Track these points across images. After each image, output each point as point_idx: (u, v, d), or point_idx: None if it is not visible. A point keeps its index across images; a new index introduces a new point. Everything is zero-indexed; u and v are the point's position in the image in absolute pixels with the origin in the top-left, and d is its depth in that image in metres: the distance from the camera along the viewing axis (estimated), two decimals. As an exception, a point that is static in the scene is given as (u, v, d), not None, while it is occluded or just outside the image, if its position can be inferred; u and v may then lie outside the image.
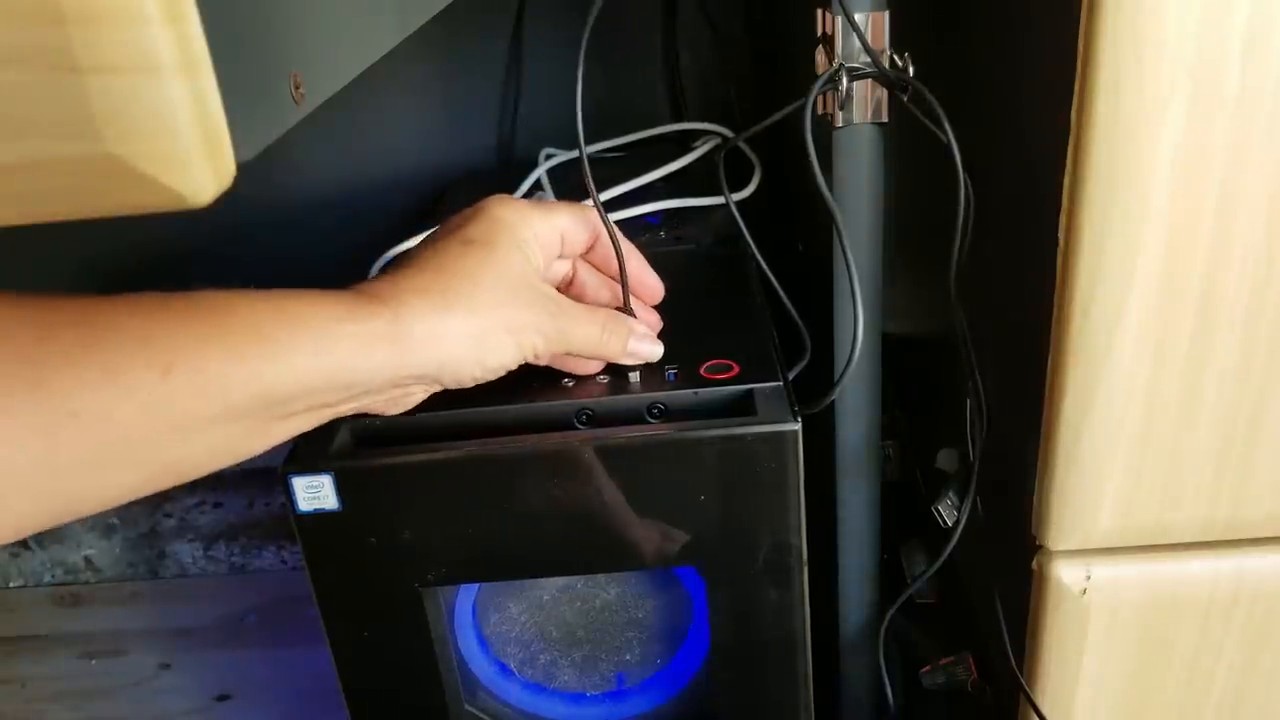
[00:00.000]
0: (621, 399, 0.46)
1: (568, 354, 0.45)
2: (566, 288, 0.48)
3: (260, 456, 0.38)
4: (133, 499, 0.34)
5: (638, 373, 0.47)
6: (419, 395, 0.43)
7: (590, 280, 0.48)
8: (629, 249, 0.47)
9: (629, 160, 0.75)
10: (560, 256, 0.46)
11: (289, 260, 0.92)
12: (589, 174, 0.46)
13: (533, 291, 0.42)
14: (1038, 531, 0.44)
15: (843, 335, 0.52)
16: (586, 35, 0.43)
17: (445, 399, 0.44)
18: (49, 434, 0.30)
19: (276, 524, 1.07)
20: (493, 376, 0.42)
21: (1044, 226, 0.40)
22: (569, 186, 0.70)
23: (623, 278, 0.47)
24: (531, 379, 0.47)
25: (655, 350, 0.47)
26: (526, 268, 0.42)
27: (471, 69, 0.87)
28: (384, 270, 0.42)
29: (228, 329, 0.34)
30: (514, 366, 0.42)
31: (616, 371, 0.47)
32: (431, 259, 0.41)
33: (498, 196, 0.44)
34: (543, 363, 0.45)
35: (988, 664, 0.54)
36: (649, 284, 0.49)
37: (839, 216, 0.48)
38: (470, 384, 0.42)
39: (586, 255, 0.48)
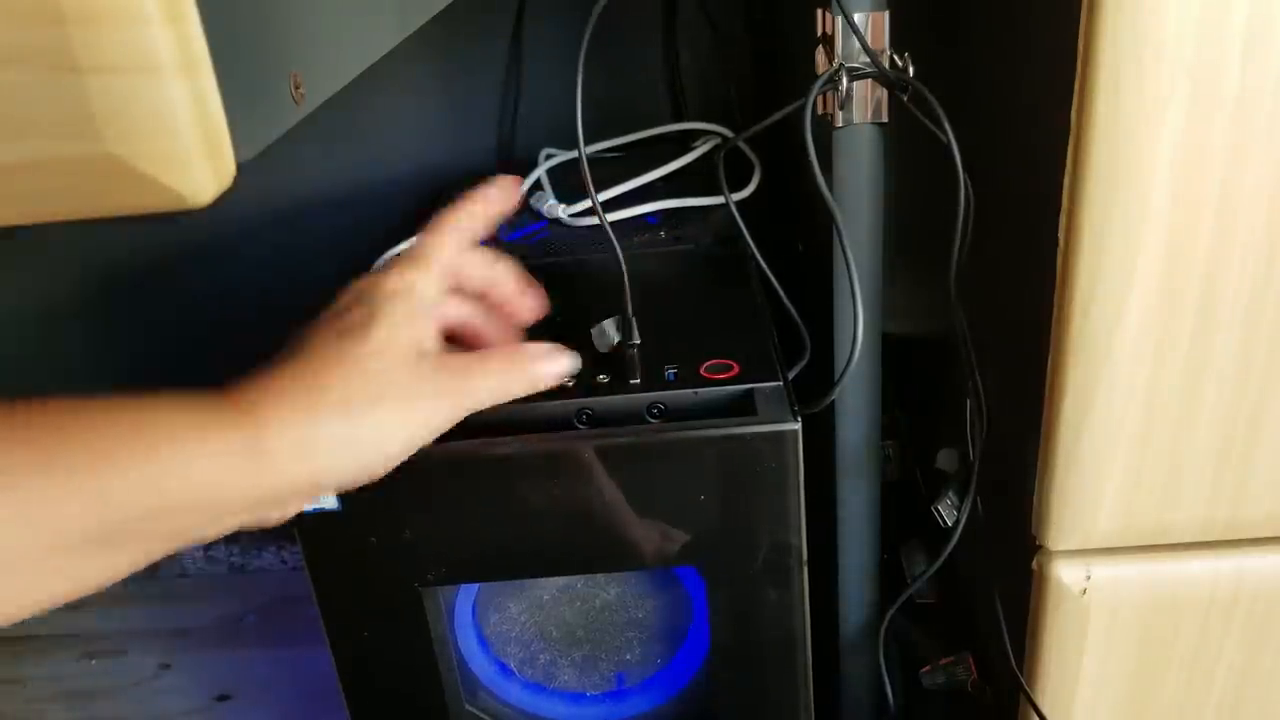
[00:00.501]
0: (621, 399, 0.46)
1: (480, 409, 0.41)
2: (461, 333, 0.44)
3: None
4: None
5: (638, 373, 0.47)
6: (301, 505, 0.40)
7: (478, 320, 0.44)
8: (501, 265, 0.45)
9: (629, 160, 0.75)
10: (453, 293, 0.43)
11: (289, 260, 0.92)
12: (589, 176, 0.46)
13: (418, 370, 0.38)
14: (1038, 531, 0.44)
15: (843, 335, 0.52)
16: (586, 40, 0.43)
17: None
18: None
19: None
20: (390, 467, 0.38)
21: (1044, 226, 0.40)
22: (569, 186, 0.70)
23: (626, 299, 0.45)
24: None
25: (566, 361, 0.44)
26: (410, 343, 0.39)
27: (471, 69, 0.87)
28: (262, 364, 0.38)
29: (66, 447, 0.31)
30: (415, 450, 0.39)
31: (616, 372, 0.47)
32: (302, 355, 0.37)
33: (383, 271, 0.41)
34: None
35: (988, 664, 0.54)
36: (524, 303, 0.46)
37: (839, 216, 0.48)
38: (365, 482, 0.38)
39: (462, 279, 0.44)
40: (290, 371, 0.37)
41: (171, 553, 0.34)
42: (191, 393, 0.35)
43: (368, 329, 0.38)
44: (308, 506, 0.44)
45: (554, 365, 0.43)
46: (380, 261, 0.63)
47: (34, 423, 0.31)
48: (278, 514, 0.39)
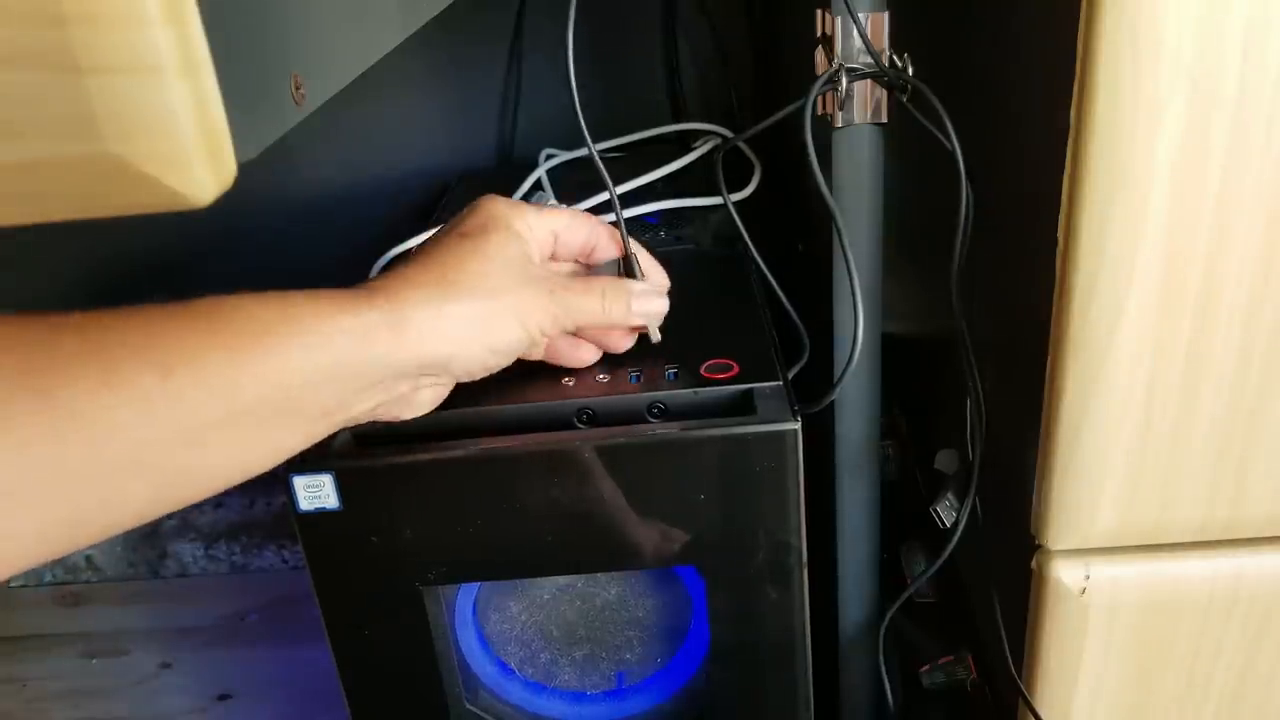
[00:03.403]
0: (621, 398, 0.46)
1: (576, 331, 0.46)
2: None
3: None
4: (148, 515, 0.34)
5: (638, 373, 0.47)
6: (431, 394, 0.43)
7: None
8: (635, 245, 0.48)
9: (629, 160, 0.75)
10: (555, 258, 0.47)
11: (289, 260, 0.92)
12: (600, 163, 0.46)
13: (529, 272, 0.43)
14: (1037, 531, 0.45)
15: (843, 335, 0.52)
16: (571, 20, 0.44)
17: (446, 397, 0.44)
18: (55, 439, 0.31)
19: (277, 524, 1.07)
20: (503, 362, 0.43)
21: (1044, 226, 0.40)
22: (569, 186, 0.70)
23: (624, 244, 0.48)
24: (531, 379, 0.47)
25: (661, 304, 0.47)
26: (521, 252, 0.43)
27: (471, 69, 0.87)
28: (385, 269, 0.43)
29: (226, 331, 0.34)
30: (521, 350, 0.43)
31: (616, 369, 0.47)
32: (430, 253, 0.42)
33: (491, 195, 0.46)
34: (542, 356, 0.46)
35: (987, 663, 0.54)
36: (655, 278, 0.50)
37: (839, 216, 0.48)
38: (481, 373, 0.42)
39: (587, 262, 0.49)
40: (420, 265, 0.41)
41: (321, 438, 0.39)
42: (322, 289, 0.39)
43: (486, 234, 0.43)
44: (307, 506, 0.44)
45: (652, 302, 0.47)
46: (381, 262, 0.63)
47: (198, 313, 0.35)
48: (416, 401, 0.43)
